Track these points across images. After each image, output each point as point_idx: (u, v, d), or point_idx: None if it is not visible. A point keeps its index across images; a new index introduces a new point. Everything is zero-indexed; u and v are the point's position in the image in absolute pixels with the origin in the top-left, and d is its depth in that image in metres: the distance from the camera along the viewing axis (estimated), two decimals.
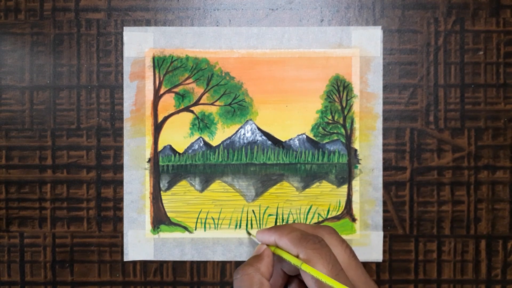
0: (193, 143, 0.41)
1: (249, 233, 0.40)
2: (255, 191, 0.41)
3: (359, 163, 0.41)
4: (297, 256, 0.31)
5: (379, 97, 0.40)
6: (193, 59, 0.41)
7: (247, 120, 0.41)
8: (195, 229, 0.41)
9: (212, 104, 0.41)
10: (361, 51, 0.40)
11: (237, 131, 0.41)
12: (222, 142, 0.41)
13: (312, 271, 0.29)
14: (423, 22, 0.40)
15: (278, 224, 0.41)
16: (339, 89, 0.41)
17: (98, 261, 0.41)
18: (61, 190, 0.41)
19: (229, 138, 0.41)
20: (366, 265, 0.41)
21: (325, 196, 0.41)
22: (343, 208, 0.41)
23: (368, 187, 0.40)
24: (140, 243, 0.41)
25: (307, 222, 0.41)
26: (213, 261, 0.41)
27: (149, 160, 0.41)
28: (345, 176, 0.41)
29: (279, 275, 0.34)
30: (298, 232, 0.32)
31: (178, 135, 0.41)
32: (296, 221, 0.41)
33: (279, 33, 0.40)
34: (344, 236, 0.40)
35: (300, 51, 0.40)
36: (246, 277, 0.32)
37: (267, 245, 0.34)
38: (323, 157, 0.41)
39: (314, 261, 0.30)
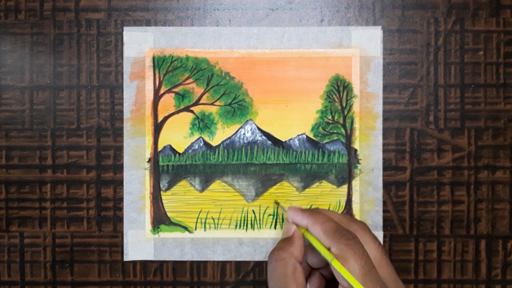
0: (193, 143, 0.41)
1: (277, 203, 0.39)
2: (255, 191, 0.41)
3: (359, 163, 0.41)
4: (329, 249, 0.30)
5: (379, 97, 0.40)
6: (193, 59, 0.41)
7: (247, 120, 0.41)
8: (195, 229, 0.41)
9: (212, 104, 0.41)
10: (361, 51, 0.40)
11: (237, 131, 0.41)
12: (222, 142, 0.41)
13: (341, 270, 0.29)
14: (423, 22, 0.40)
15: (277, 224, 0.41)
16: (339, 89, 0.41)
17: (98, 261, 0.41)
18: (61, 190, 0.41)
19: (229, 138, 0.41)
20: None
21: (325, 196, 0.41)
22: (343, 208, 0.41)
23: (368, 187, 0.40)
24: (140, 243, 0.41)
25: None
26: (213, 261, 0.41)
27: (149, 160, 0.41)
28: (345, 176, 0.41)
29: (303, 267, 0.33)
30: (333, 223, 0.31)
31: (178, 135, 0.41)
32: None
33: (279, 33, 0.40)
34: None
35: (300, 51, 0.40)
36: (280, 262, 0.31)
37: (297, 226, 0.33)
38: (323, 157, 0.41)
39: (347, 257, 0.29)
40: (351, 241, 0.30)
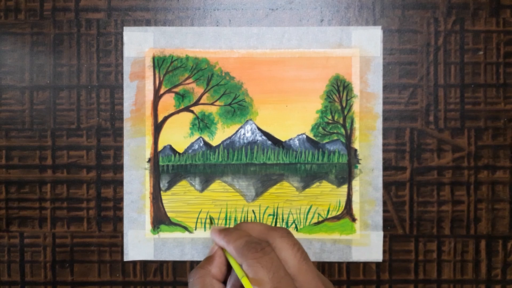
0: (193, 143, 0.41)
1: (211, 220, 0.40)
2: (255, 191, 0.41)
3: (359, 163, 0.41)
4: (241, 266, 0.30)
5: (379, 97, 0.40)
6: (193, 59, 0.41)
7: (247, 120, 0.41)
8: (195, 229, 0.41)
9: (212, 104, 0.41)
10: (361, 51, 0.40)
11: (237, 131, 0.41)
12: (222, 142, 0.41)
13: (247, 287, 0.29)
14: (423, 22, 0.40)
15: (277, 224, 0.41)
16: (339, 89, 0.41)
17: (98, 261, 0.41)
18: (61, 190, 0.41)
19: (229, 138, 0.41)
20: (366, 265, 0.41)
21: (325, 196, 0.41)
22: (343, 208, 0.41)
23: (368, 187, 0.40)
24: (140, 243, 0.41)
25: (307, 223, 0.41)
26: None
27: (149, 160, 0.41)
28: (345, 176, 0.41)
29: (233, 283, 0.33)
30: (243, 239, 0.31)
31: (178, 135, 0.41)
32: (296, 221, 0.41)
33: (279, 33, 0.40)
34: (344, 236, 0.40)
35: (300, 51, 0.40)
36: (198, 280, 0.31)
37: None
38: (323, 157, 0.41)
39: (256, 271, 0.29)
40: (258, 253, 0.30)
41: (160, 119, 0.41)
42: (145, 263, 0.41)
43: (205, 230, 0.41)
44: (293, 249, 0.31)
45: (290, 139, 0.41)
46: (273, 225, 0.41)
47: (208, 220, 0.41)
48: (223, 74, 0.41)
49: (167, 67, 0.41)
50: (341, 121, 0.41)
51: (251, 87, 0.41)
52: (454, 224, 0.41)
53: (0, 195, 0.41)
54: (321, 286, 0.30)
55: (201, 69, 0.41)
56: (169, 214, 0.41)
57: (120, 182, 0.41)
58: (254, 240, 0.31)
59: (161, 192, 0.41)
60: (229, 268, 0.33)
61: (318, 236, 0.41)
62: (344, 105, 0.41)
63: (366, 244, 0.40)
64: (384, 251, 0.40)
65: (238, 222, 0.41)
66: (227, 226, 0.41)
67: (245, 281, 0.29)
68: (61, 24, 0.41)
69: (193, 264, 0.41)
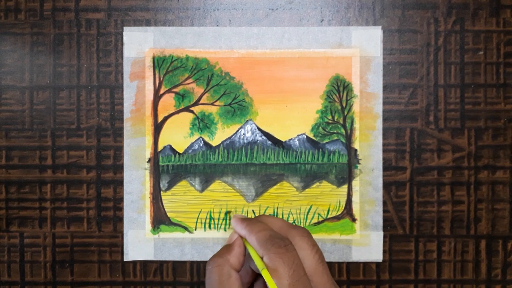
0: (193, 143, 0.41)
1: (229, 213, 0.40)
2: (255, 191, 0.41)
3: (359, 163, 0.41)
4: (262, 258, 0.31)
5: (379, 97, 0.40)
6: (193, 59, 0.41)
7: (247, 120, 0.41)
8: (195, 229, 0.41)
9: (212, 104, 0.41)
10: (361, 51, 0.40)
11: (237, 131, 0.41)
12: (222, 142, 0.41)
13: (268, 281, 0.29)
14: (423, 22, 0.40)
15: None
16: (339, 89, 0.41)
17: (98, 261, 0.41)
18: (61, 190, 0.41)
19: (229, 138, 0.41)
20: (366, 265, 0.41)
21: (325, 196, 0.41)
22: (343, 208, 0.41)
23: (368, 187, 0.40)
24: (140, 243, 0.41)
25: (307, 223, 0.41)
26: None
27: (149, 160, 0.41)
28: (345, 176, 0.41)
29: (247, 271, 0.34)
30: (267, 232, 0.31)
31: (178, 135, 0.41)
32: (295, 221, 0.41)
33: (279, 33, 0.40)
34: (344, 236, 0.40)
35: (300, 51, 0.40)
36: (216, 268, 0.31)
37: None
38: (323, 157, 0.41)
39: (276, 266, 0.29)
40: (282, 249, 0.30)
41: (160, 119, 0.41)
42: (145, 263, 0.41)
43: (205, 230, 0.41)
44: (312, 249, 0.32)
45: (290, 139, 0.41)
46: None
47: (223, 215, 0.41)
48: (223, 74, 0.41)
49: (167, 67, 0.41)
50: (341, 121, 0.41)
51: (251, 87, 0.41)
52: (454, 224, 0.41)
53: (0, 195, 0.41)
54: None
55: (201, 69, 0.41)
56: (169, 214, 0.41)
57: (120, 182, 0.41)
58: (278, 235, 0.31)
59: (161, 192, 0.41)
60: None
61: (318, 236, 0.41)
62: (344, 105, 0.41)
63: (366, 244, 0.40)
64: (384, 251, 0.40)
65: None
66: (229, 225, 0.41)
67: (265, 273, 0.29)
68: (61, 24, 0.41)
69: (193, 264, 0.41)
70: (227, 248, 0.33)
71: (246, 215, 0.41)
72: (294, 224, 0.34)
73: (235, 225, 0.34)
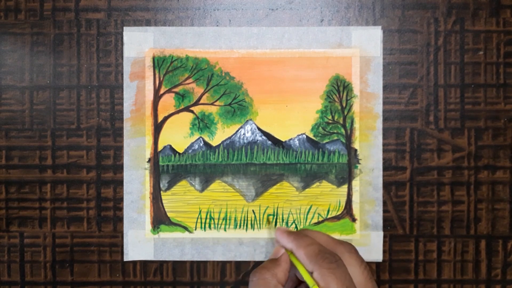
0: (193, 143, 0.41)
1: (268, 222, 0.39)
2: (255, 191, 0.41)
3: (359, 163, 0.41)
4: (312, 273, 0.30)
5: (379, 97, 0.40)
6: (193, 59, 0.41)
7: (247, 120, 0.41)
8: (195, 229, 0.41)
9: (212, 104, 0.41)
10: (361, 51, 0.40)
11: (237, 131, 0.41)
12: (222, 142, 0.41)
13: None
14: (423, 22, 0.40)
15: (278, 225, 0.41)
16: (339, 89, 0.41)
17: (98, 261, 0.41)
18: (61, 190, 0.41)
19: (229, 138, 0.41)
20: None
21: (325, 196, 0.41)
22: (343, 208, 0.41)
23: (368, 187, 0.40)
24: (140, 243, 0.41)
25: (307, 223, 0.41)
26: (213, 261, 0.41)
27: (149, 160, 0.41)
28: (345, 176, 0.41)
29: (291, 279, 0.34)
30: (316, 246, 0.31)
31: (178, 135, 0.41)
32: (295, 221, 0.41)
33: (279, 33, 0.40)
34: (344, 236, 0.40)
35: (300, 51, 0.40)
36: (262, 281, 0.31)
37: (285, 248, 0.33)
38: (323, 157, 0.41)
39: (328, 282, 0.29)
40: (333, 264, 0.30)
41: (160, 119, 0.41)
42: (145, 263, 0.41)
43: (205, 230, 0.41)
44: (360, 266, 0.31)
45: (290, 139, 0.41)
46: (274, 225, 0.41)
47: (265, 221, 0.40)
48: (223, 74, 0.41)
49: (167, 67, 0.41)
50: (341, 121, 0.41)
51: (251, 87, 0.41)
52: (454, 224, 0.41)
53: (0, 195, 0.41)
54: None
55: (201, 69, 0.41)
56: (169, 214, 0.41)
57: (120, 182, 0.41)
58: (327, 251, 0.31)
59: (161, 192, 0.41)
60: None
61: None
62: (344, 105, 0.41)
63: (366, 244, 0.40)
64: (384, 251, 0.40)
65: (238, 222, 0.41)
66: (229, 225, 0.41)
67: None
68: (61, 24, 0.41)
69: (193, 264, 0.41)
70: (273, 262, 0.33)
71: (246, 215, 0.41)
72: (338, 239, 0.34)
73: (280, 238, 0.33)
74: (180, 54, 0.41)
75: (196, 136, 0.41)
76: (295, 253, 0.32)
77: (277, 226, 0.34)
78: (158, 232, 0.41)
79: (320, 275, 0.29)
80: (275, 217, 0.40)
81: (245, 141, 0.41)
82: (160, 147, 0.41)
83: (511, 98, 0.40)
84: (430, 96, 0.40)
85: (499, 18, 0.40)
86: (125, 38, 0.41)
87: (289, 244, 0.33)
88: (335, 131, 0.41)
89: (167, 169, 0.41)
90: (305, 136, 0.41)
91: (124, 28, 0.41)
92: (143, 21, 0.41)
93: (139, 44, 0.41)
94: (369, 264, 0.41)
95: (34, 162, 0.41)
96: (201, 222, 0.41)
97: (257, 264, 0.41)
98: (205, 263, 0.41)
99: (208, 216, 0.41)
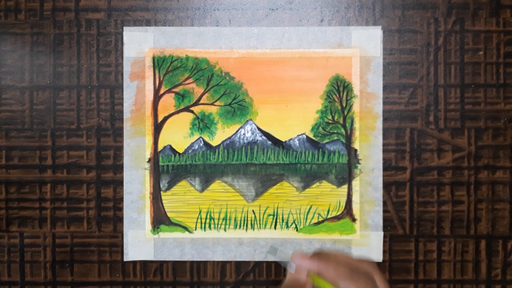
0: (193, 143, 0.41)
1: (275, 250, 0.37)
2: (255, 191, 0.41)
3: (359, 163, 0.40)
4: None
5: (379, 97, 0.40)
6: (193, 59, 0.41)
7: (247, 120, 0.41)
8: (195, 229, 0.41)
9: (212, 104, 0.41)
10: (361, 51, 0.40)
11: (237, 131, 0.41)
12: (222, 142, 0.41)
13: None
14: (423, 22, 0.40)
15: (277, 225, 0.41)
16: (339, 89, 0.41)
17: (98, 261, 0.41)
18: (61, 190, 0.41)
19: (229, 138, 0.41)
20: None
21: (325, 196, 0.41)
22: (343, 208, 0.41)
23: (368, 187, 0.40)
24: (140, 243, 0.41)
25: (307, 223, 0.41)
26: (213, 261, 0.41)
27: (149, 160, 0.41)
28: (345, 176, 0.41)
29: None
30: (346, 266, 0.31)
31: (178, 135, 0.41)
32: (296, 221, 0.41)
33: (279, 33, 0.40)
34: (344, 236, 0.40)
35: (300, 51, 0.40)
36: None
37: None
38: (323, 157, 0.41)
39: None
40: (369, 284, 0.30)
41: (160, 119, 0.41)
42: (145, 263, 0.41)
43: (204, 230, 0.41)
44: (385, 283, 0.31)
45: (290, 139, 0.41)
46: (274, 225, 0.41)
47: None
48: (223, 74, 0.41)
49: (167, 67, 0.41)
50: (341, 121, 0.41)
51: (251, 87, 0.41)
52: (454, 224, 0.41)
53: (0, 195, 0.41)
54: None
55: (201, 69, 0.41)
56: (169, 214, 0.41)
57: (120, 182, 0.41)
58: (358, 270, 0.31)
59: (161, 192, 0.41)
60: None
61: (318, 236, 0.41)
62: (344, 105, 0.41)
63: (366, 244, 0.40)
64: (384, 251, 0.40)
65: (238, 222, 0.41)
66: (229, 225, 0.41)
67: None
68: (61, 24, 0.41)
69: (193, 264, 0.41)
70: (298, 287, 0.32)
71: (246, 215, 0.41)
72: (357, 258, 0.33)
73: (301, 262, 0.33)
74: (180, 54, 0.41)
75: (196, 136, 0.41)
76: (324, 272, 0.32)
77: (293, 253, 0.33)
78: (158, 232, 0.41)
79: None
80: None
81: (245, 141, 0.41)
82: (160, 147, 0.41)
83: (511, 98, 0.40)
84: (430, 96, 0.40)
85: (499, 18, 0.40)
86: (125, 38, 0.41)
87: (313, 266, 0.32)
88: (335, 131, 0.41)
89: (167, 169, 0.41)
90: (305, 136, 0.41)
91: (124, 28, 0.41)
92: (143, 21, 0.41)
93: (139, 44, 0.41)
94: None
95: (34, 162, 0.41)
96: (201, 222, 0.41)
97: (258, 264, 0.41)
98: (205, 263, 0.41)
99: (208, 216, 0.41)
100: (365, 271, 0.31)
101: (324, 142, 0.41)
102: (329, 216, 0.41)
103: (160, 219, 0.41)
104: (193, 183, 0.41)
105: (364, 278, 0.30)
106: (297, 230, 0.41)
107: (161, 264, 0.41)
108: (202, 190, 0.41)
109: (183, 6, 0.41)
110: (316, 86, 0.41)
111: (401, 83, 0.41)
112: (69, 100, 0.41)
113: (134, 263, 0.41)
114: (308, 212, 0.41)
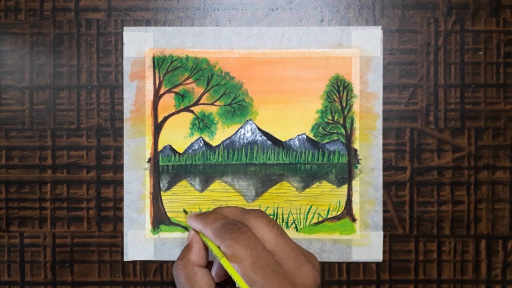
0: (193, 143, 0.41)
1: (185, 212, 0.39)
2: (255, 191, 0.41)
3: (359, 163, 0.41)
4: (219, 248, 0.31)
5: (379, 97, 0.40)
6: (193, 59, 0.41)
7: (247, 120, 0.41)
8: None
9: (212, 104, 0.41)
10: (361, 51, 0.40)
11: (237, 131, 0.41)
12: (222, 142, 0.41)
13: (227, 267, 0.29)
14: (423, 22, 0.40)
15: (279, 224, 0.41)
16: (339, 89, 0.41)
17: (98, 261, 0.41)
18: (61, 190, 0.41)
19: (229, 138, 0.41)
20: (366, 265, 0.41)
21: (325, 196, 0.41)
22: (343, 208, 0.41)
23: (368, 187, 0.40)
24: (140, 243, 0.41)
25: (307, 223, 0.41)
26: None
27: (149, 160, 0.41)
28: (345, 176, 0.41)
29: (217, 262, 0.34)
30: (221, 221, 0.32)
31: (178, 135, 0.41)
32: (296, 221, 0.41)
33: (279, 33, 0.40)
34: (344, 236, 0.40)
35: (300, 51, 0.40)
36: (180, 271, 0.32)
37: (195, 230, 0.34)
38: (323, 157, 0.41)
39: (234, 250, 0.30)
40: (236, 233, 0.30)
41: (160, 119, 0.41)
42: (145, 263, 0.41)
43: None
44: (268, 226, 0.32)
45: (290, 139, 0.41)
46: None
47: (183, 214, 0.40)
48: (223, 74, 0.41)
49: (167, 67, 0.41)
50: (341, 121, 0.41)
51: (251, 87, 0.41)
52: (454, 224, 0.41)
53: (0, 195, 0.41)
54: (300, 256, 0.31)
55: (201, 69, 0.41)
56: (169, 214, 0.41)
57: (120, 182, 0.41)
58: (231, 222, 0.32)
59: (161, 192, 0.41)
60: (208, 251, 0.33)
61: (318, 236, 0.41)
62: (344, 105, 0.41)
63: (366, 244, 0.40)
64: (384, 251, 0.40)
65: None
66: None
67: (224, 261, 0.30)
68: (61, 24, 0.41)
69: None
70: (186, 248, 0.33)
71: None
72: (247, 209, 0.34)
73: (190, 222, 0.34)
74: (180, 54, 0.41)
75: (196, 136, 0.41)
76: (204, 232, 0.33)
77: (188, 214, 0.35)
78: (158, 232, 0.41)
79: (225, 247, 0.30)
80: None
81: (245, 141, 0.41)
82: (160, 147, 0.41)
83: (511, 98, 0.40)
84: (430, 96, 0.40)
85: (499, 18, 0.40)
86: (125, 38, 0.41)
87: (198, 226, 0.33)
88: (335, 131, 0.41)
89: (167, 169, 0.41)
90: (305, 136, 0.41)
91: (124, 28, 0.41)
92: (143, 21, 0.41)
93: (139, 44, 0.41)
94: (369, 264, 0.41)
95: (34, 162, 0.41)
96: None
97: None
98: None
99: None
100: (245, 220, 0.32)
101: (324, 142, 0.41)
102: (329, 216, 0.41)
103: (160, 219, 0.41)
104: (193, 183, 0.41)
105: (233, 229, 0.31)
106: (297, 230, 0.41)
107: (161, 264, 0.41)
108: (202, 190, 0.41)
109: (183, 6, 0.41)
110: (316, 86, 0.41)
111: (401, 83, 0.41)
112: (69, 100, 0.41)
113: (134, 263, 0.41)
114: (308, 212, 0.41)
